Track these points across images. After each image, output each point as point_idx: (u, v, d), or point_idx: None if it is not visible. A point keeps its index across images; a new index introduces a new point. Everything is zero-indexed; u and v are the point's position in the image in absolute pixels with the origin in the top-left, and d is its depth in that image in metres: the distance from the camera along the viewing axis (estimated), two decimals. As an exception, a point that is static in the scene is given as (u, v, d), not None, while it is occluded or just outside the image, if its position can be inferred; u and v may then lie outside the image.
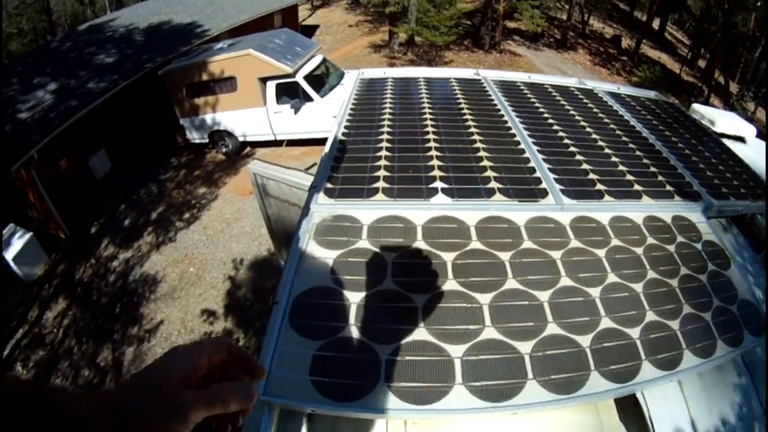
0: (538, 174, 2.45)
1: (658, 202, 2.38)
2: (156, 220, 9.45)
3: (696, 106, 4.25)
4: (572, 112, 3.38)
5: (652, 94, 4.28)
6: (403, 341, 1.58)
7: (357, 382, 1.47)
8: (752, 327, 1.87)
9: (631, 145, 2.96)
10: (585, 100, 3.67)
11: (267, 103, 10.00)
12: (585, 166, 2.60)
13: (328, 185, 2.30)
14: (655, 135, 3.20)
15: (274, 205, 3.79)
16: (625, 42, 21.13)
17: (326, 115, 9.24)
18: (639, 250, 2.07)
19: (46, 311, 7.87)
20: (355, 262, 1.86)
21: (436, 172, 2.41)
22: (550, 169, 2.49)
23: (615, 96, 3.91)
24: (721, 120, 3.90)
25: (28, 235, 8.40)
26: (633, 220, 2.24)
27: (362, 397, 1.44)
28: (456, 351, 1.57)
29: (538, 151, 2.67)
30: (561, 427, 1.81)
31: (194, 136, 11.00)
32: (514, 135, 2.88)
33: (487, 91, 3.64)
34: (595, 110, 3.50)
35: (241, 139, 10.74)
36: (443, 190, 2.27)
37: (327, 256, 1.90)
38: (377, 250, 1.91)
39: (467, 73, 4.07)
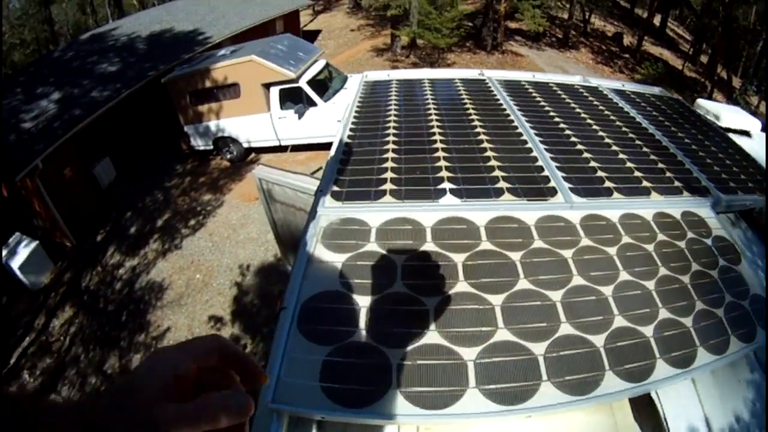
0: (546, 173, 2.43)
1: (667, 199, 2.37)
2: (162, 227, 9.47)
3: (701, 101, 4.23)
4: (578, 110, 3.36)
5: (656, 90, 4.26)
6: (415, 345, 1.56)
7: (367, 387, 1.45)
8: (764, 322, 1.85)
9: (638, 142, 2.95)
10: (590, 98, 3.65)
11: (271, 108, 10.00)
12: (593, 163, 2.58)
13: (335, 188, 2.29)
14: (662, 131, 3.19)
15: (280, 210, 3.78)
16: (627, 39, 21.05)
17: (330, 120, 9.23)
18: (650, 247, 2.06)
19: (53, 319, 7.89)
20: (363, 265, 1.84)
21: (444, 173, 2.39)
22: (558, 168, 2.46)
23: (620, 93, 3.89)
24: (726, 114, 3.87)
25: (34, 244, 8.45)
26: (643, 217, 2.23)
27: (373, 403, 1.41)
28: (469, 354, 1.54)
29: (546, 149, 2.65)
30: (576, 428, 1.78)
31: (198, 143, 11.02)
32: (520, 134, 2.86)
33: (492, 90, 3.62)
34: (600, 107, 3.48)
35: (245, 145, 10.74)
36: (452, 191, 2.25)
37: (335, 259, 1.88)
38: (386, 252, 1.89)
39: (471, 73, 4.06)
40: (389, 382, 1.46)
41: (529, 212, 2.14)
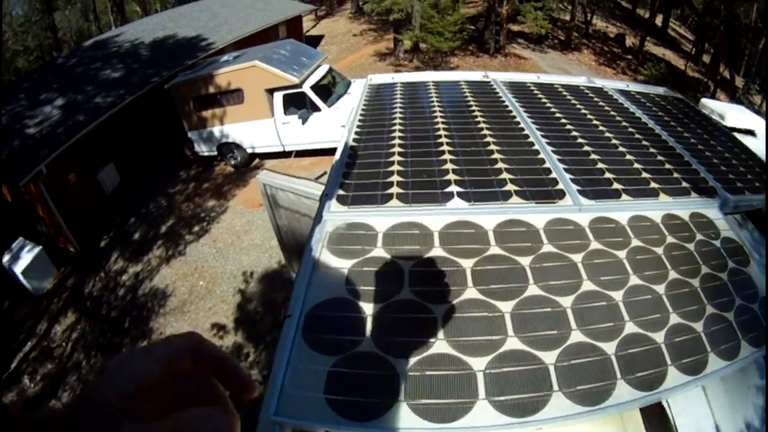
0: (554, 175, 2.39)
1: (675, 200, 2.34)
2: (165, 233, 9.46)
3: (705, 100, 4.20)
4: (584, 111, 3.32)
5: (661, 90, 4.23)
6: (423, 355, 1.52)
7: (374, 399, 1.42)
8: (765, 322, 1.83)
9: (644, 143, 2.92)
10: (595, 99, 3.62)
11: (274, 114, 9.98)
12: (600, 165, 2.55)
13: (341, 192, 2.25)
14: (668, 131, 3.16)
15: (285, 216, 3.75)
16: (629, 40, 21.00)
17: (334, 125, 9.21)
18: (659, 250, 2.03)
19: (55, 325, 7.89)
20: (370, 271, 1.80)
21: (451, 176, 2.35)
22: (565, 170, 2.43)
23: (625, 93, 3.86)
24: (731, 114, 3.85)
25: (37, 249, 8.47)
26: (651, 219, 2.20)
27: (380, 416, 1.38)
28: (478, 364, 1.50)
29: (553, 151, 2.61)
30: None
31: (202, 149, 11.02)
32: (527, 136, 2.83)
33: (497, 92, 3.59)
34: (606, 108, 3.44)
35: (249, 151, 10.72)
36: (459, 194, 2.21)
37: (341, 265, 1.84)
38: (393, 258, 1.86)
39: (476, 75, 4.03)
40: (396, 394, 1.42)
41: (538, 215, 2.10)
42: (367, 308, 1.66)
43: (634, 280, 1.85)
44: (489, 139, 2.77)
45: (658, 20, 22.91)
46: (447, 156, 2.56)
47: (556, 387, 1.46)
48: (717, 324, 1.74)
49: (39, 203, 8.81)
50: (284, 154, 10.67)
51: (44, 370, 7.11)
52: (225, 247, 8.78)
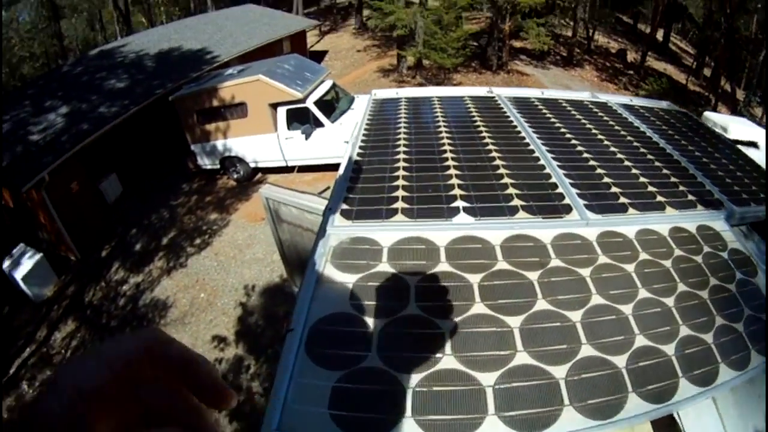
0: (560, 189, 2.39)
1: (682, 213, 2.35)
2: (167, 245, 9.46)
3: (708, 113, 4.23)
4: (588, 126, 3.33)
5: (664, 104, 4.26)
6: (430, 370, 1.50)
7: (380, 415, 1.39)
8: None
9: (649, 156, 2.93)
10: (600, 113, 3.63)
11: (278, 128, 10.01)
12: (606, 179, 2.55)
13: (345, 206, 2.25)
14: (672, 145, 3.18)
15: (287, 230, 3.74)
16: (631, 55, 21.16)
17: (337, 141, 9.22)
18: (667, 263, 2.02)
19: (55, 332, 7.88)
20: (375, 286, 1.78)
21: (457, 191, 2.35)
22: (572, 184, 2.43)
23: (629, 108, 3.88)
24: (734, 126, 3.88)
25: (38, 256, 8.48)
26: (659, 232, 2.20)
27: (386, 433, 1.35)
28: (487, 379, 1.48)
29: (558, 166, 2.62)
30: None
31: (205, 162, 11.05)
32: (532, 151, 2.83)
33: (502, 107, 3.61)
34: (610, 123, 3.45)
35: (252, 165, 10.74)
36: (465, 209, 2.20)
37: (345, 280, 1.83)
38: (399, 273, 1.84)
39: (480, 91, 4.05)
40: (403, 410, 1.39)
41: (545, 230, 2.09)
42: (373, 323, 1.65)
43: (643, 293, 1.85)
44: (494, 153, 2.78)
45: (659, 35, 23.09)
46: (452, 171, 2.56)
47: (566, 401, 1.44)
48: (727, 335, 1.74)
49: (41, 210, 8.85)
50: (287, 169, 10.69)
51: (43, 376, 7.08)
52: (227, 260, 8.77)
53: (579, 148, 2.91)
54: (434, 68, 16.35)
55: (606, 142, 3.05)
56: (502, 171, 2.56)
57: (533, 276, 1.84)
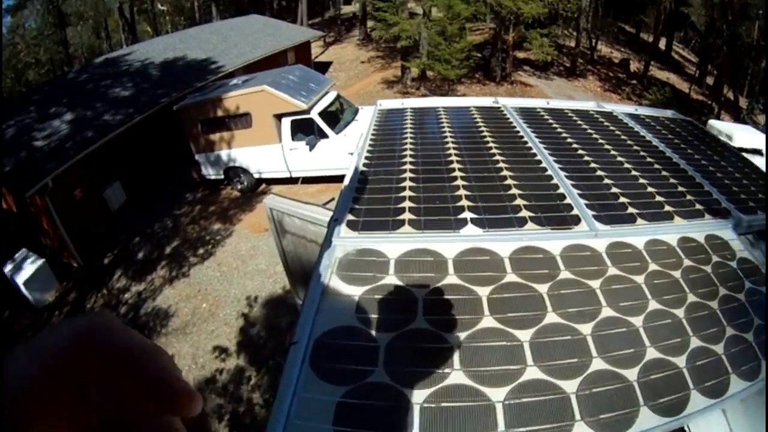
0: (568, 200, 2.36)
1: (690, 222, 2.32)
2: (170, 254, 9.47)
3: (713, 122, 4.24)
4: (595, 136, 3.32)
5: (669, 113, 4.26)
6: (438, 386, 1.46)
7: (387, 432, 1.35)
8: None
9: (656, 166, 2.92)
10: (606, 123, 3.62)
11: (282, 139, 10.01)
12: (614, 189, 2.53)
13: (351, 217, 2.22)
14: (679, 154, 3.16)
15: (291, 241, 3.71)
16: (634, 65, 21.24)
17: (341, 152, 9.23)
18: (677, 274, 2.00)
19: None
20: (382, 299, 1.76)
21: (464, 202, 2.33)
22: (580, 195, 2.40)
23: (634, 117, 3.87)
24: (739, 134, 3.88)
25: (40, 261, 8.50)
26: (668, 243, 2.17)
27: (393, 450, 1.32)
28: (497, 394, 1.44)
29: (566, 176, 2.60)
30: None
31: (209, 172, 11.07)
32: (540, 161, 2.81)
33: (508, 118, 3.60)
34: (617, 132, 3.44)
35: (256, 175, 10.75)
36: (473, 221, 2.18)
37: (351, 292, 1.80)
38: (406, 285, 1.81)
39: (486, 101, 4.04)
40: (410, 426, 1.36)
41: (554, 242, 2.06)
42: (379, 337, 1.61)
43: (653, 304, 1.82)
44: (501, 164, 2.76)
45: (662, 44, 23.18)
46: (459, 182, 2.54)
47: (578, 416, 1.41)
48: (737, 345, 1.72)
49: (44, 216, 8.90)
50: (291, 180, 10.70)
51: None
52: (229, 271, 8.77)
53: (586, 158, 2.89)
54: (438, 79, 16.44)
55: (612, 152, 3.04)
56: (509, 182, 2.54)
57: (543, 288, 1.82)
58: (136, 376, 0.30)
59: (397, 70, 17.94)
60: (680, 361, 1.61)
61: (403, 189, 2.47)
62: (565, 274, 1.89)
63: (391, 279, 1.84)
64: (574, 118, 3.68)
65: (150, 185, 11.79)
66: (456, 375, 1.49)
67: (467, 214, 2.22)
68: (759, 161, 3.46)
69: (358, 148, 3.10)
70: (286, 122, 9.86)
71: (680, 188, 2.63)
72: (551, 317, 1.70)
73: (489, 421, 1.38)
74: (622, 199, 2.43)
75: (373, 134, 3.32)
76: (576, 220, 2.21)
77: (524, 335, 1.62)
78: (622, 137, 3.35)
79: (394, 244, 2.02)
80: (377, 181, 2.60)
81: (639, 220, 2.27)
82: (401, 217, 2.21)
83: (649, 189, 2.58)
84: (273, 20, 20.64)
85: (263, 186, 11.17)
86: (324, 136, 9.70)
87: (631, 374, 1.54)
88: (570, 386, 1.48)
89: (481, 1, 15.38)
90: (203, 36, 16.56)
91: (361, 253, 1.99)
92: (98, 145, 9.79)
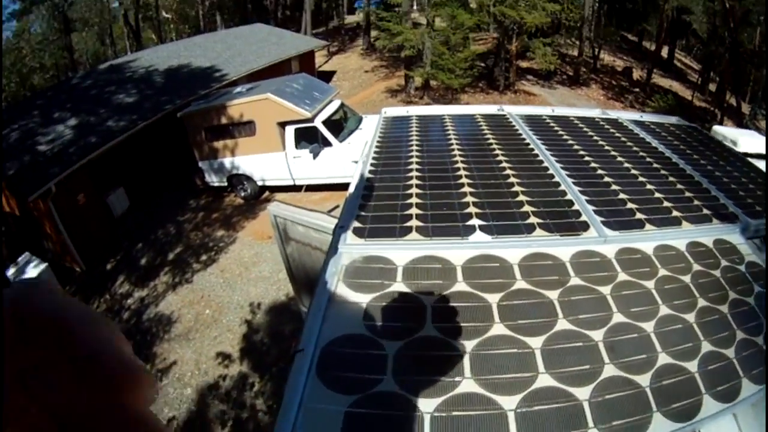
0: (576, 206, 2.35)
1: (698, 227, 2.32)
2: (173, 260, 9.46)
3: (717, 127, 4.25)
4: (601, 142, 3.31)
5: (674, 119, 4.26)
6: (448, 394, 1.44)
7: (396, 442, 1.33)
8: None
9: (663, 172, 2.91)
10: (611, 130, 3.62)
11: (286, 147, 10.02)
12: (622, 195, 2.52)
13: (357, 224, 2.21)
14: (685, 159, 3.16)
15: (295, 248, 3.70)
16: (637, 73, 21.27)
17: (345, 160, 9.24)
18: (686, 279, 1.99)
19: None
20: (390, 306, 1.74)
21: (472, 209, 2.31)
22: (588, 201, 2.39)
23: (639, 124, 3.87)
24: (743, 139, 3.88)
25: (42, 265, 8.48)
26: (677, 248, 2.16)
27: (403, 461, 1.29)
28: (508, 403, 1.42)
29: (573, 183, 2.59)
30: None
31: (213, 179, 11.09)
32: (546, 168, 2.80)
33: (513, 125, 3.60)
34: (622, 139, 3.44)
35: (259, 183, 10.74)
36: (481, 228, 2.16)
37: (358, 300, 1.78)
38: (414, 293, 1.79)
39: (491, 109, 4.05)
40: (421, 436, 1.34)
41: (563, 248, 2.05)
42: (388, 345, 1.59)
43: (664, 310, 1.81)
44: (508, 171, 2.75)
45: (664, 52, 23.23)
46: (467, 189, 2.53)
47: (591, 424, 1.39)
48: (748, 349, 1.71)
49: (47, 220, 8.92)
50: (294, 188, 10.70)
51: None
52: (232, 278, 8.74)
53: (593, 164, 2.88)
54: (442, 89, 16.49)
55: (619, 158, 3.03)
56: (517, 188, 2.53)
57: (553, 295, 1.80)
58: (66, 350, 0.24)
59: (401, 80, 18.00)
60: (692, 366, 1.60)
61: (410, 196, 2.46)
62: (575, 281, 1.88)
63: (399, 286, 1.82)
64: (580, 125, 3.68)
65: (153, 192, 11.81)
66: (467, 383, 1.47)
67: (475, 221, 2.21)
68: (764, 166, 3.46)
69: (363, 155, 3.09)
70: (290, 130, 9.88)
71: (687, 193, 2.63)
72: (562, 324, 1.68)
73: (501, 430, 1.36)
74: (630, 205, 2.42)
75: (378, 141, 3.31)
76: (585, 226, 2.19)
77: (535, 342, 1.60)
78: (628, 144, 3.34)
79: (401, 251, 2.01)
80: (383, 188, 2.59)
81: (647, 226, 2.26)
82: (409, 224, 2.20)
83: (657, 195, 2.57)
84: (277, 29, 20.76)
85: (266, 194, 11.18)
86: (328, 144, 9.71)
87: (644, 380, 1.53)
88: (582, 393, 1.47)
89: (484, 11, 15.48)
90: (208, 44, 16.66)
91: (368, 260, 1.97)
92: (102, 150, 9.83)
